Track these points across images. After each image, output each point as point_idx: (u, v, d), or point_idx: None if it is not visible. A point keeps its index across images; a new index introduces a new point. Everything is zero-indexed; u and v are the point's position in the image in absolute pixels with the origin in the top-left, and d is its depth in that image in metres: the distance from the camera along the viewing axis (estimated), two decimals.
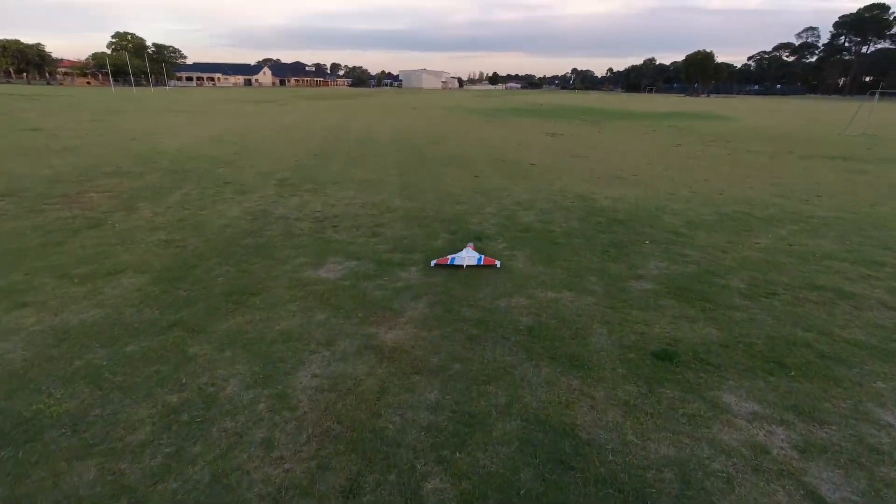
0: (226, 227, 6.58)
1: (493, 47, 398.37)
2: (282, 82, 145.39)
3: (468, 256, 5.08)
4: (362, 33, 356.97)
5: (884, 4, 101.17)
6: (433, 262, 5.07)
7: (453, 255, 5.12)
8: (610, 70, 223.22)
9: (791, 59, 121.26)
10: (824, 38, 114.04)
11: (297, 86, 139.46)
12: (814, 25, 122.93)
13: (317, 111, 31.24)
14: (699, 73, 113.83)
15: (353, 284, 4.71)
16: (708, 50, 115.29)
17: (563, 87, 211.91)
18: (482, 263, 5.00)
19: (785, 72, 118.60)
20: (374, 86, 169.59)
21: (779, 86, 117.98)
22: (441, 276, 4.90)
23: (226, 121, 22.98)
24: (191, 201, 7.93)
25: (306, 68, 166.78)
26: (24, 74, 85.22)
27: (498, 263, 5.01)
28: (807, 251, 5.92)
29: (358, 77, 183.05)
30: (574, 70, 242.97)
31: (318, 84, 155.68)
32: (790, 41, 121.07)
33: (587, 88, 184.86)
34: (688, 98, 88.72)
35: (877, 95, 25.90)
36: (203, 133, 17.57)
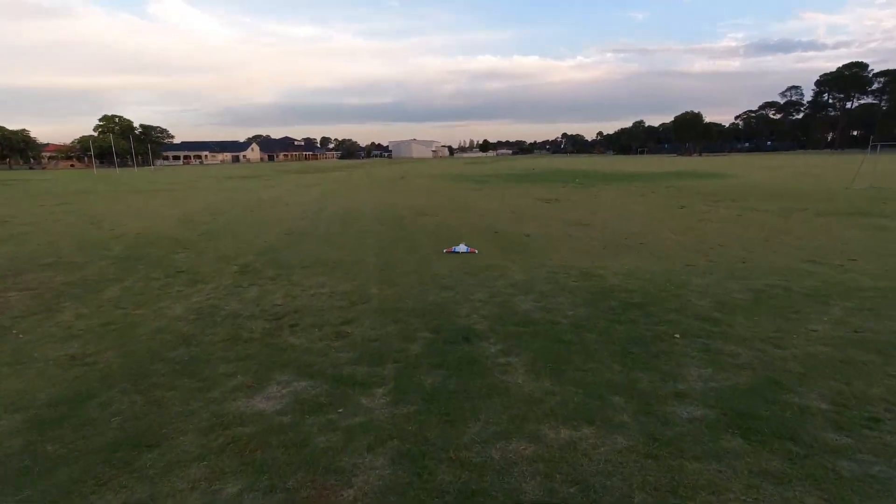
0: (158, 333, 5.58)
1: (482, 115, 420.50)
2: (270, 158, 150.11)
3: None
4: (352, 108, 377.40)
5: (862, 63, 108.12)
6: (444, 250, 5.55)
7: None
8: (600, 133, 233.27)
9: (777, 116, 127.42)
10: (807, 95, 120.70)
11: (285, 161, 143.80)
12: (796, 84, 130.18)
13: (300, 185, 31.28)
14: (689, 133, 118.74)
15: (294, 423, 3.62)
16: (695, 110, 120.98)
17: (555, 152, 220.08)
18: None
19: (773, 128, 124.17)
20: (363, 157, 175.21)
21: (769, 142, 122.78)
22: (412, 405, 3.83)
23: (202, 199, 22.70)
24: (129, 297, 6.98)
25: (295, 143, 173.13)
26: (7, 160, 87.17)
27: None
28: (881, 340, 4.93)
29: (347, 149, 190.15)
30: (564, 135, 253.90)
31: (306, 158, 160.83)
32: (775, 100, 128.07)
33: (578, 152, 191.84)
34: (680, 158, 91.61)
35: (878, 148, 26.18)
36: (173, 213, 17.07)
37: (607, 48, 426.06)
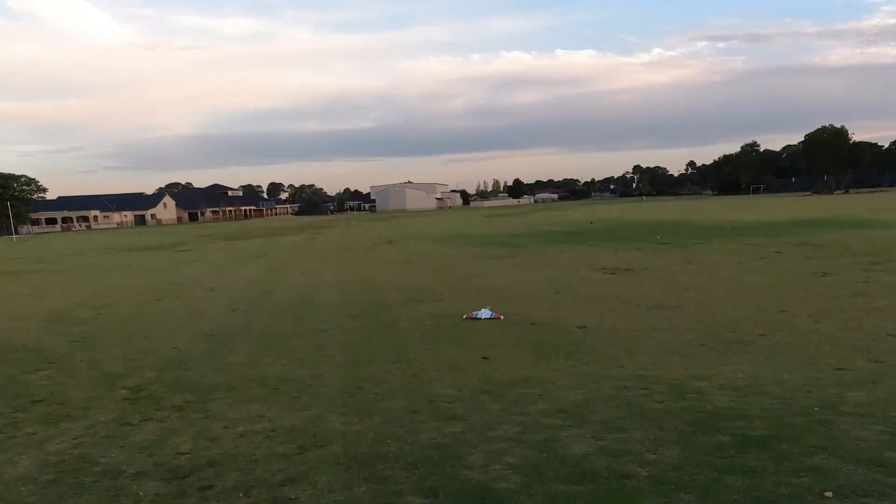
0: None
1: (512, 143, 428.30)
2: (192, 216, 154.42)
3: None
4: (314, 138, 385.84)
5: None
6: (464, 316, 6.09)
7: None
8: (691, 165, 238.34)
9: None
10: None
11: (214, 220, 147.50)
12: None
13: (234, 258, 31.92)
14: (828, 159, 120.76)
15: None
16: (836, 125, 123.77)
17: (624, 194, 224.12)
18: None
19: None
20: (333, 211, 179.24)
21: None
22: None
23: (83, 284, 23.18)
24: None
25: (230, 193, 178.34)
26: None
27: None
28: None
29: (308, 200, 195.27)
30: (636, 168, 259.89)
31: (246, 216, 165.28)
32: None
33: (659, 193, 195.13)
34: (816, 197, 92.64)
35: None
36: (36, 308, 17.39)
37: (699, 34, 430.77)
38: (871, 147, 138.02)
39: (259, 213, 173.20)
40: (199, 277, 23.19)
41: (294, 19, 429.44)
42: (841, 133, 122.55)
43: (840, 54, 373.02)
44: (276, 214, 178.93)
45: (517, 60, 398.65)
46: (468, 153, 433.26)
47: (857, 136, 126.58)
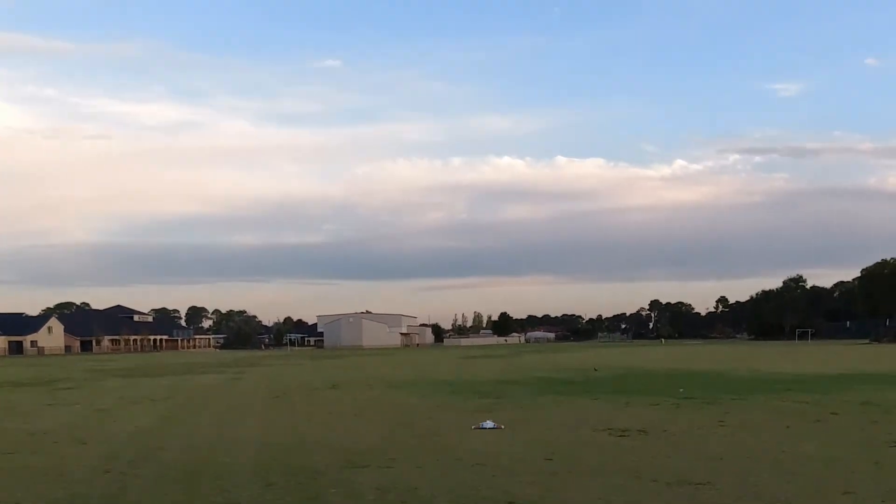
0: None
1: (499, 268, 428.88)
2: (85, 346, 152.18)
3: None
4: (249, 253, 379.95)
5: None
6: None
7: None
8: (722, 302, 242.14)
9: None
10: None
11: (113, 351, 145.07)
12: None
13: (127, 401, 31.27)
14: (891, 301, 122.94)
15: None
16: None
17: (639, 335, 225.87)
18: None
19: None
20: (269, 345, 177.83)
21: None
22: None
23: None
24: None
25: (136, 318, 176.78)
26: None
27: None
28: None
29: (237, 331, 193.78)
30: (654, 304, 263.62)
31: (156, 346, 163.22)
32: None
33: (682, 335, 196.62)
34: (878, 345, 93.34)
35: None
36: None
37: (731, 146, 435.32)
38: None
39: (173, 345, 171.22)
40: (73, 425, 22.44)
41: (230, 108, 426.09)
42: None
43: None
44: (195, 347, 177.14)
45: (508, 167, 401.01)
46: (444, 279, 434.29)
47: None
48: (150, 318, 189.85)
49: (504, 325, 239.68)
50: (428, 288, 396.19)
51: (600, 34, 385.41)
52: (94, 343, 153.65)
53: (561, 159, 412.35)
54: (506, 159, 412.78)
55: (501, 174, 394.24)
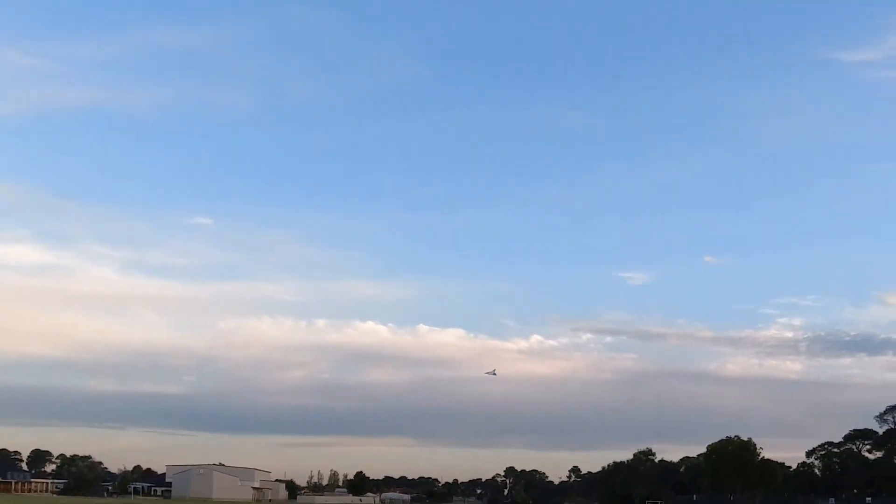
0: None
1: (358, 428, 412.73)
2: None
3: None
4: (106, 398, 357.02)
5: None
6: None
7: None
8: (575, 472, 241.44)
9: (878, 454, 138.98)
10: None
11: None
12: None
13: None
14: (734, 475, 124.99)
15: None
16: (743, 437, 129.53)
17: (494, 501, 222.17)
18: None
19: (874, 473, 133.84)
20: (113, 493, 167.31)
21: (868, 497, 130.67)
22: None
23: None
24: None
25: None
26: None
27: None
28: None
29: (80, 476, 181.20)
30: (510, 471, 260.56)
31: None
32: (870, 426, 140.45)
33: (536, 502, 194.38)
34: None
35: None
36: None
37: (584, 325, 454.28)
38: (781, 467, 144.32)
39: (5, 488, 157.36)
40: None
41: (96, 255, 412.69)
42: (748, 446, 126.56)
43: (738, 363, 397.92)
44: (30, 491, 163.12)
45: (372, 331, 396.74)
46: (303, 436, 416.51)
47: (766, 452, 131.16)
48: None
49: (360, 484, 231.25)
50: (286, 444, 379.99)
51: (471, 217, 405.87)
52: None
53: (423, 327, 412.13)
54: (370, 324, 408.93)
55: (365, 338, 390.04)
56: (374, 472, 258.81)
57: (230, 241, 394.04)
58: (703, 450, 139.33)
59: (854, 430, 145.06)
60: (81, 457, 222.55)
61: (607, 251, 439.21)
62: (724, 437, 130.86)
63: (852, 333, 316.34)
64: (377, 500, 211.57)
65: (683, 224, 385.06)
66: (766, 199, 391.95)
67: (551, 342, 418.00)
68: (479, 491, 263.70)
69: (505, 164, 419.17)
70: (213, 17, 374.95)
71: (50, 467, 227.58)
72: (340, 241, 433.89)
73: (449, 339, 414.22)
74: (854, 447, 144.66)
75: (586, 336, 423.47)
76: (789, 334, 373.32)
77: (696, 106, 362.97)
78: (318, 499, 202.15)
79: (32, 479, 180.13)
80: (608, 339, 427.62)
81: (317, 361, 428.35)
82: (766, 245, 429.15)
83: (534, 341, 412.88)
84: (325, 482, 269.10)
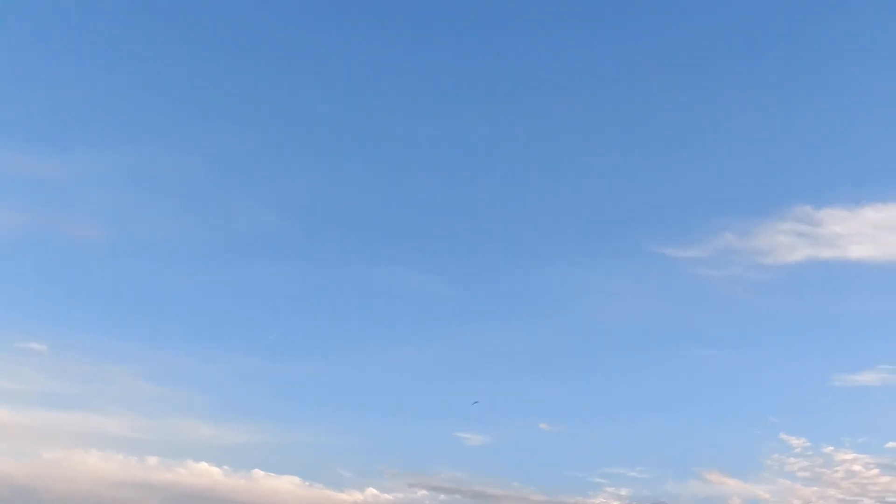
0: None
1: None
2: None
3: None
4: None
5: None
6: None
7: None
8: None
9: None
10: None
11: None
12: None
13: None
14: None
15: None
16: None
17: None
18: None
19: None
20: None
21: None
22: None
23: None
24: None
25: None
26: None
27: None
28: None
29: None
30: None
31: None
32: None
33: None
34: None
35: None
36: None
37: (420, 482, 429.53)
38: None
39: None
40: None
41: None
42: None
43: None
44: None
45: (205, 473, 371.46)
46: None
47: None
48: None
49: None
50: None
51: (315, 367, 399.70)
52: None
53: (258, 472, 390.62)
54: (203, 464, 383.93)
55: (197, 479, 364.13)
56: None
57: (64, 370, 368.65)
58: None
59: None
60: None
61: (447, 411, 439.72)
62: None
63: None
64: None
65: (520, 390, 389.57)
66: (597, 374, 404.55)
67: (386, 496, 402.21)
68: None
69: (353, 318, 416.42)
70: (67, 147, 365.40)
71: None
72: (181, 380, 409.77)
73: (284, 486, 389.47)
74: None
75: (422, 492, 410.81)
76: (615, 502, 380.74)
77: (537, 282, 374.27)
78: None
79: None
80: (443, 496, 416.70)
81: (146, 499, 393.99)
82: (596, 416, 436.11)
83: (369, 494, 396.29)
84: None
